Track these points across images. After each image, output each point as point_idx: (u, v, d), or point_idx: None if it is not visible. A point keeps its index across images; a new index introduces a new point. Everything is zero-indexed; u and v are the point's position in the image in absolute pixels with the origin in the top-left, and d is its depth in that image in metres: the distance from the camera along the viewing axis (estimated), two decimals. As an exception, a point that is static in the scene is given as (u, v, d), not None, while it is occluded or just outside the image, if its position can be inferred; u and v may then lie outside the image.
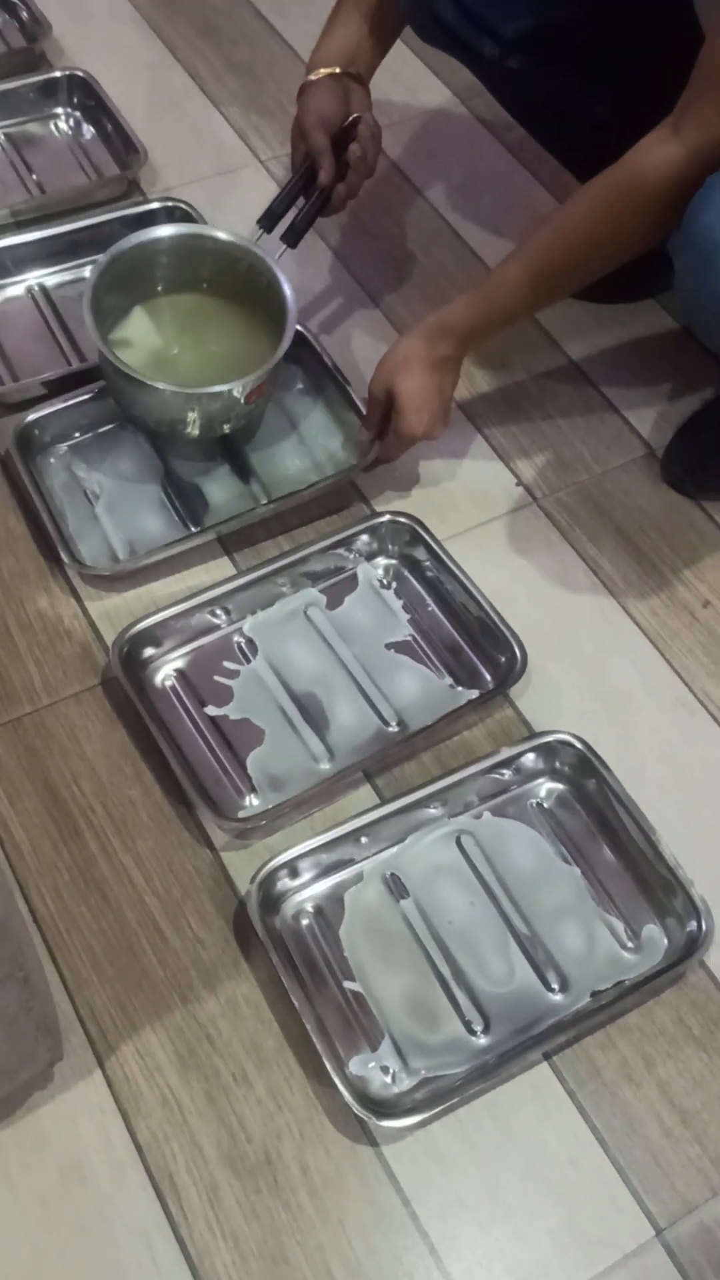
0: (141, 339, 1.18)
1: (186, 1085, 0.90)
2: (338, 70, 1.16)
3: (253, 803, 1.02)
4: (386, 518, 1.16)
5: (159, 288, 1.20)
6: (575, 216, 1.03)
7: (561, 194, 1.49)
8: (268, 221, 1.17)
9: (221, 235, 1.18)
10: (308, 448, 1.23)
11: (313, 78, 1.16)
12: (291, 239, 1.16)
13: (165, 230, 1.18)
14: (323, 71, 1.16)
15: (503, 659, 1.08)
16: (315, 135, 1.14)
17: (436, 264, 1.44)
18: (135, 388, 1.10)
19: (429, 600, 1.14)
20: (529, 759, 1.04)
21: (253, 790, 1.02)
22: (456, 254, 1.45)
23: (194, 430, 1.15)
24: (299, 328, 1.24)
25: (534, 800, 1.03)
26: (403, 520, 1.16)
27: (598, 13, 1.09)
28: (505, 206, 1.50)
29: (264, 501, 1.17)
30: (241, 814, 1.01)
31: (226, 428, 1.17)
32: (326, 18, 1.20)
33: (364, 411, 1.19)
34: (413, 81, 1.63)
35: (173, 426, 1.15)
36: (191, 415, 1.13)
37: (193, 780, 1.00)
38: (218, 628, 1.12)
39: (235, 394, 1.10)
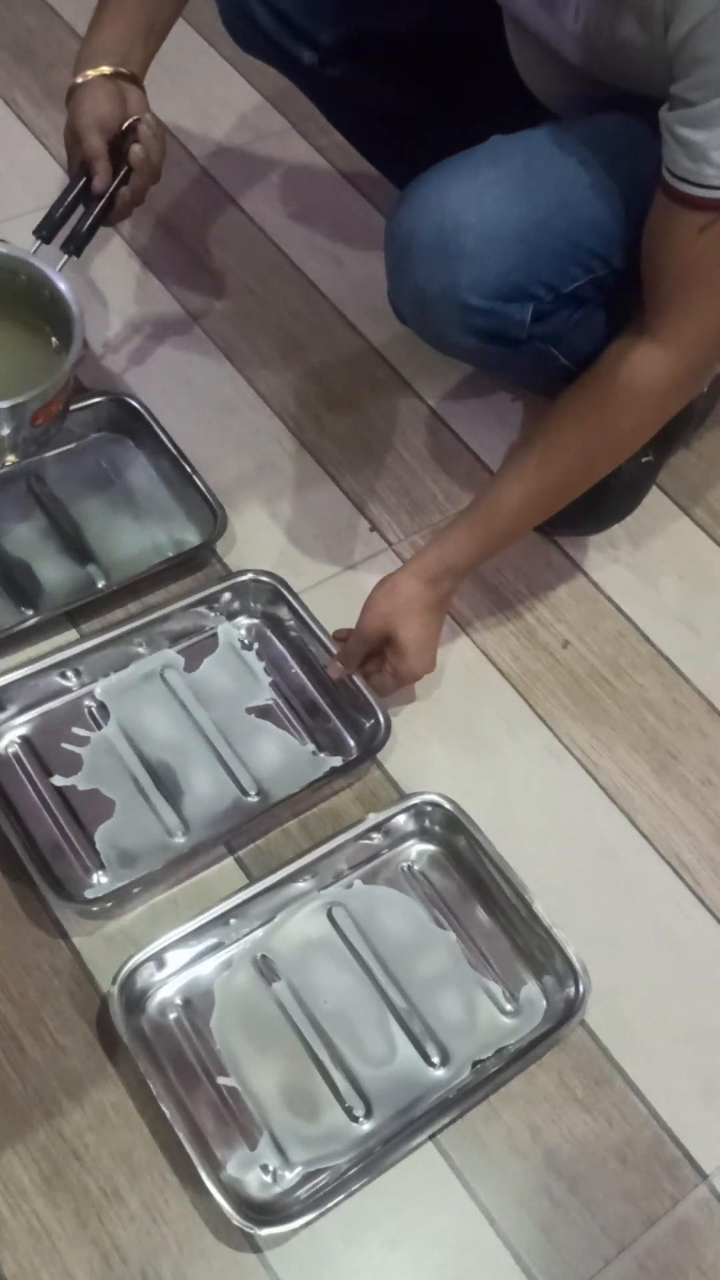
0: None
1: (54, 1209, 0.84)
2: (108, 71, 1.06)
3: (100, 880, 0.96)
4: (249, 576, 1.12)
5: None
6: (569, 434, 1.01)
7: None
8: (46, 231, 1.07)
9: None
10: (145, 526, 1.17)
11: (81, 80, 1.06)
12: (75, 247, 1.07)
13: None
14: (91, 73, 1.06)
15: (368, 724, 1.05)
16: (90, 138, 1.04)
17: (264, 283, 1.40)
18: None
19: (292, 662, 1.10)
20: (399, 821, 1.01)
21: (100, 867, 0.97)
22: (274, 264, 1.43)
23: None
24: (131, 401, 1.19)
25: (405, 864, 1.01)
26: (265, 579, 1.12)
27: (418, 19, 1.07)
28: (315, 209, 1.49)
29: (101, 585, 1.10)
30: (88, 893, 0.95)
31: (13, 457, 1.03)
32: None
33: (215, 508, 1.16)
34: (241, 105, 1.59)
35: None
36: None
37: (34, 856, 0.95)
38: (68, 690, 1.06)
39: (16, 412, 0.97)
